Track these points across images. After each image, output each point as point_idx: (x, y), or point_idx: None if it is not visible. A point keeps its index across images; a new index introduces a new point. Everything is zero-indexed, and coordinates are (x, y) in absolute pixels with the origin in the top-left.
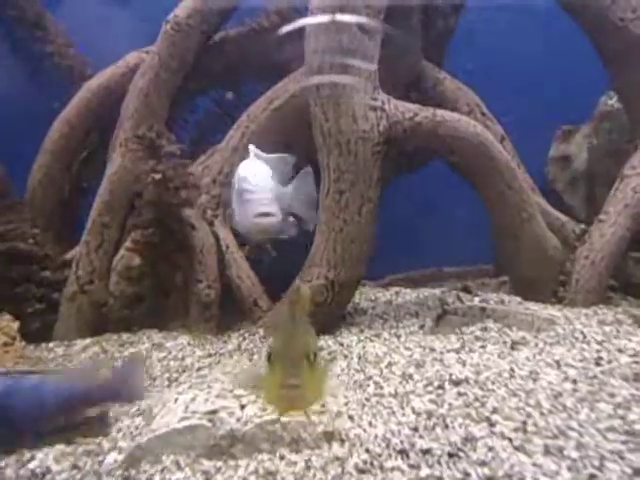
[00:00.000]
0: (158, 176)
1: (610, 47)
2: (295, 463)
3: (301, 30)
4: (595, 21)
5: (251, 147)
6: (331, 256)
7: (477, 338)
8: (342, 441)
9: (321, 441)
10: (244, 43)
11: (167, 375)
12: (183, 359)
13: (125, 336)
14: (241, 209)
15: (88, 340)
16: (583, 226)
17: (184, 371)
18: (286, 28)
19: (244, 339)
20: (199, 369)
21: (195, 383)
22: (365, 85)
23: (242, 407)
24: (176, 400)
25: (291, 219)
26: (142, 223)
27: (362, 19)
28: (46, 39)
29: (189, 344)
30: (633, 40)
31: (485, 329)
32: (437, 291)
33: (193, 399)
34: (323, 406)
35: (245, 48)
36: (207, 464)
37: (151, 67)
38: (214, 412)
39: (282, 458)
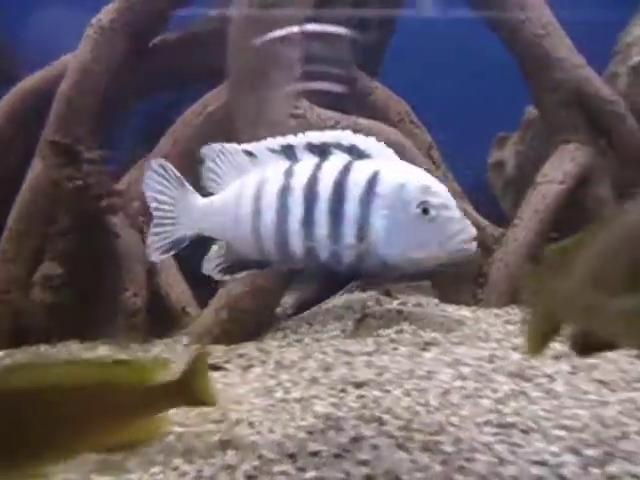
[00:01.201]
0: (77, 183)
1: (526, 61)
2: (187, 473)
3: None
4: (513, 36)
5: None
6: None
7: (392, 340)
8: (237, 449)
9: (216, 450)
10: (185, 47)
11: None
12: None
13: (43, 348)
14: (431, 235)
15: (1, 353)
16: (502, 230)
17: None
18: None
19: (166, 347)
20: None
21: None
22: (286, 93)
23: None
24: None
25: None
26: (61, 231)
27: (283, 28)
28: None
29: (108, 355)
30: (544, 55)
31: (401, 331)
32: (366, 295)
33: None
34: (223, 414)
35: (186, 52)
36: None
37: (73, 71)
38: None
39: (175, 469)
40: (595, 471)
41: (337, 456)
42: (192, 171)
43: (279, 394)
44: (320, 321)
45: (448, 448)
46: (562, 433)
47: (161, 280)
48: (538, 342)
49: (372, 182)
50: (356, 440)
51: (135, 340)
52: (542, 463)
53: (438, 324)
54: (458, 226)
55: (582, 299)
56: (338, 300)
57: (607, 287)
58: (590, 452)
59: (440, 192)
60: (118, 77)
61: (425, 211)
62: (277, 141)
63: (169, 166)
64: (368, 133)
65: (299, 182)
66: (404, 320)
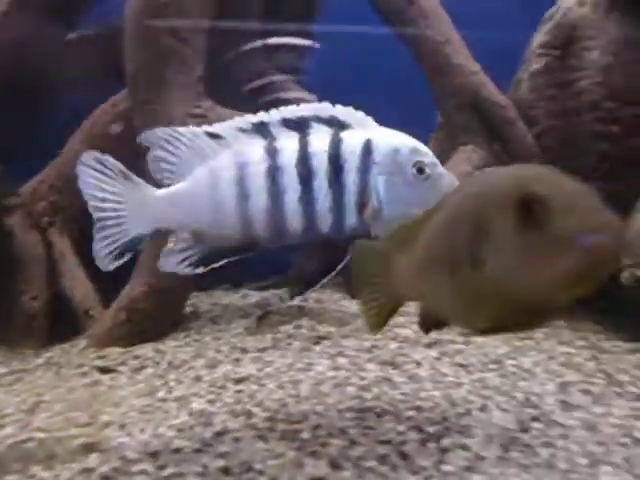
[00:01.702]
0: None
1: (429, 67)
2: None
3: None
4: (419, 47)
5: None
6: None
7: (289, 336)
8: (101, 452)
9: (78, 454)
10: (105, 44)
11: None
12: None
13: None
14: (428, 191)
15: None
16: None
17: None
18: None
19: (62, 351)
20: None
21: None
22: (185, 93)
23: None
24: None
25: None
26: None
27: (180, 27)
28: None
29: None
30: (444, 61)
31: (299, 327)
32: (281, 292)
33: None
34: (92, 417)
35: (106, 49)
36: None
37: None
38: None
39: (32, 477)
40: (431, 445)
41: (198, 451)
42: None
43: (161, 394)
44: (227, 319)
45: (306, 435)
46: (413, 414)
47: (65, 283)
48: (381, 320)
49: (367, 150)
50: (220, 434)
51: (30, 345)
52: (387, 442)
53: (335, 319)
54: (448, 180)
55: (418, 279)
56: (254, 298)
57: (438, 265)
58: (431, 429)
59: (427, 151)
60: (28, 70)
61: (420, 170)
62: (246, 119)
63: (108, 159)
64: None
65: (288, 159)
66: (304, 316)
